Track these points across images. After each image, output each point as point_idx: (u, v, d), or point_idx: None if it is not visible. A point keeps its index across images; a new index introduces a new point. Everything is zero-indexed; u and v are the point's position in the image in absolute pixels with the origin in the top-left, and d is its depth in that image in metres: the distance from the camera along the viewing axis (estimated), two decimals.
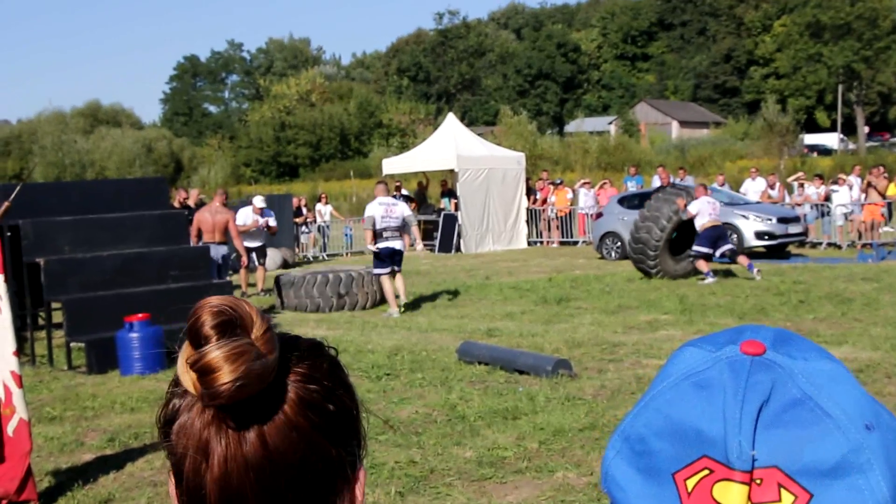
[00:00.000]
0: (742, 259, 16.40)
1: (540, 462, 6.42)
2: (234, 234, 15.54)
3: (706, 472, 0.72)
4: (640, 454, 0.77)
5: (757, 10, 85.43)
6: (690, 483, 0.73)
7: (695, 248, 16.41)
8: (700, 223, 16.19)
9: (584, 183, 27.61)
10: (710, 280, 15.97)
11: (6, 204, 5.98)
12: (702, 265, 16.25)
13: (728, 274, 16.72)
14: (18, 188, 7.32)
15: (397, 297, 14.20)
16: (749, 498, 0.71)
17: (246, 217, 17.35)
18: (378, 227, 13.72)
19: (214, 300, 0.90)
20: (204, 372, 0.86)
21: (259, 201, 17.80)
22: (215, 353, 0.86)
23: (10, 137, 75.88)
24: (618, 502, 0.77)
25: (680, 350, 0.80)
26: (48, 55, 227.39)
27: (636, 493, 0.76)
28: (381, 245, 13.78)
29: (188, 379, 0.88)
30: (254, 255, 17.26)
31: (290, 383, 0.92)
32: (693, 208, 16.33)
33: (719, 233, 16.33)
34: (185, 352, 0.89)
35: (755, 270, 15.99)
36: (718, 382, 0.74)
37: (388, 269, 13.92)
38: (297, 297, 14.98)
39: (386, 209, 13.76)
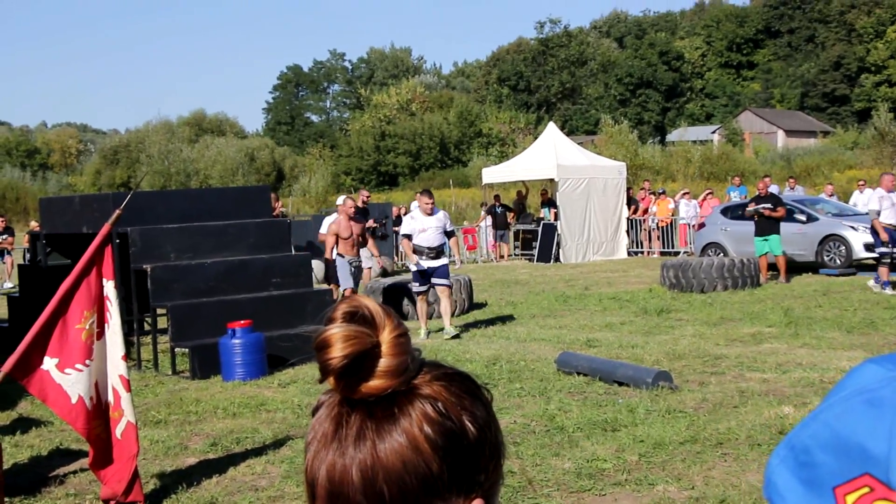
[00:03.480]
0: (882, 271, 15.49)
1: (640, 475, 6.33)
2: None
3: (867, 489, 0.72)
4: (804, 465, 0.77)
5: (869, 15, 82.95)
6: (850, 499, 0.72)
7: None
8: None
9: (684, 193, 27.22)
10: (877, 288, 15.29)
11: (117, 212, 6.12)
12: (882, 272, 15.52)
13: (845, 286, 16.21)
14: (129, 196, 7.48)
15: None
16: None
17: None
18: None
19: (360, 298, 1.03)
20: (319, 347, 0.96)
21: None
22: (333, 331, 0.97)
23: (119, 146, 78.28)
24: None
25: (860, 366, 0.80)
26: (156, 67, 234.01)
27: (795, 502, 0.76)
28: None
29: None
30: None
31: (417, 396, 1.00)
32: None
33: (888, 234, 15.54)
34: None
35: (888, 289, 15.22)
36: (890, 402, 0.73)
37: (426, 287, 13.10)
38: (385, 305, 14.74)
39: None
